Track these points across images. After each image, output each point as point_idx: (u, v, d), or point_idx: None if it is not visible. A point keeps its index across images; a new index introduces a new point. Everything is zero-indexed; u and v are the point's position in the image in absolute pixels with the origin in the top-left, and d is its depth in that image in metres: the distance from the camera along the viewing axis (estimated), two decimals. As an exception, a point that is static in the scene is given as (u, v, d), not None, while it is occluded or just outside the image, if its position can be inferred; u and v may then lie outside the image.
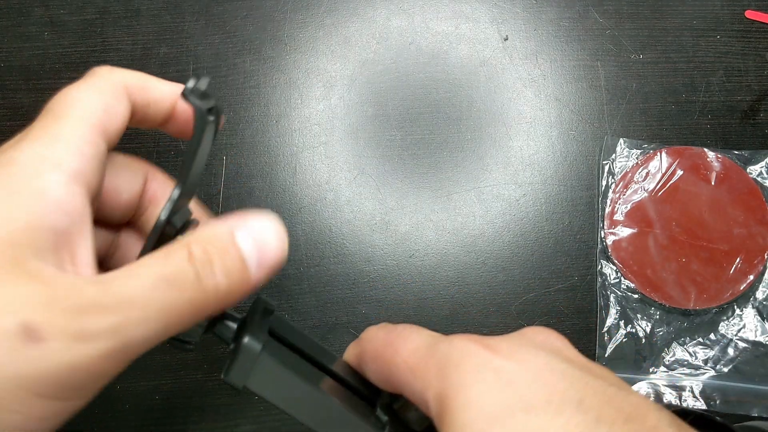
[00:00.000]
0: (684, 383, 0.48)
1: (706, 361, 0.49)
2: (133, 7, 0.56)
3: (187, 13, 0.56)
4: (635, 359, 0.49)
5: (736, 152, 0.53)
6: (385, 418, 0.27)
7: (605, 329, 0.50)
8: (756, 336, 0.49)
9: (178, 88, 0.26)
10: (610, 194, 0.52)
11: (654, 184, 0.52)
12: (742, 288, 0.50)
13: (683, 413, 0.43)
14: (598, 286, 0.50)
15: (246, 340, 0.25)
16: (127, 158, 0.26)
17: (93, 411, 0.48)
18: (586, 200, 0.53)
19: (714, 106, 0.54)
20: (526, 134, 0.54)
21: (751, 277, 0.50)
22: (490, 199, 0.53)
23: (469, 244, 0.52)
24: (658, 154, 0.52)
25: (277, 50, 0.56)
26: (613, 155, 0.53)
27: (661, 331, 0.49)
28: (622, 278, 0.50)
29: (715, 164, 0.52)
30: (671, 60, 0.55)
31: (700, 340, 0.49)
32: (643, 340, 0.49)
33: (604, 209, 0.52)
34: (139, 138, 0.53)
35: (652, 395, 0.48)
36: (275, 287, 0.50)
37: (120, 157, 0.26)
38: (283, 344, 0.28)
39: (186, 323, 0.21)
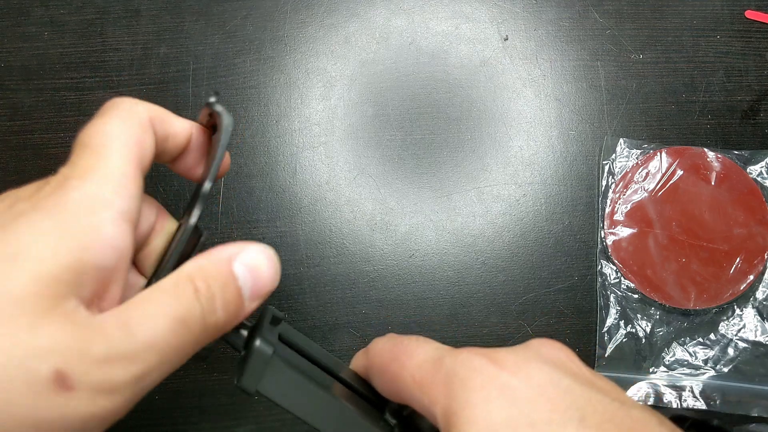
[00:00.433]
0: (684, 383, 0.48)
1: (706, 361, 0.49)
2: (133, 7, 0.56)
3: (187, 13, 0.56)
4: (635, 359, 0.49)
5: (736, 152, 0.53)
6: (393, 421, 0.27)
7: (605, 329, 0.50)
8: (756, 336, 0.49)
9: (192, 124, 0.26)
10: (610, 194, 0.52)
11: (654, 184, 0.52)
12: (742, 288, 0.50)
13: (680, 419, 0.43)
14: (598, 286, 0.50)
15: (257, 344, 0.25)
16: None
17: None
18: (586, 200, 0.53)
19: (714, 106, 0.54)
20: (526, 134, 0.54)
21: (751, 277, 0.50)
22: (490, 199, 0.53)
23: (469, 244, 0.52)
24: (658, 154, 0.52)
25: (277, 50, 0.56)
26: (613, 155, 0.53)
27: (661, 331, 0.49)
28: (622, 278, 0.50)
29: (715, 164, 0.52)
30: (671, 60, 0.55)
31: (700, 340, 0.49)
32: (643, 340, 0.49)
33: (604, 209, 0.52)
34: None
35: (652, 395, 0.48)
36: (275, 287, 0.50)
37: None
38: (293, 350, 0.28)
39: (186, 359, 0.22)
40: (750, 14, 0.56)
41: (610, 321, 0.50)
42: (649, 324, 0.50)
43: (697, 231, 0.51)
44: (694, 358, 0.49)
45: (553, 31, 0.56)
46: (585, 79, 0.55)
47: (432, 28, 0.56)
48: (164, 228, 0.27)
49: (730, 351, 0.49)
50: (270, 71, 0.55)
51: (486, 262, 0.51)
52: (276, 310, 0.28)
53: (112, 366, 0.20)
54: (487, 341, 0.50)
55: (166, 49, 0.55)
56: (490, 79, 0.55)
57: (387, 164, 0.53)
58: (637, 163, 0.52)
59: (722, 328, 0.50)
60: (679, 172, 0.52)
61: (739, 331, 0.49)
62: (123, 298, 0.28)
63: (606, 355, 0.49)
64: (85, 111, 0.54)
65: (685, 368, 0.49)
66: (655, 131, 0.54)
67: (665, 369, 0.49)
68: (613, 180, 0.52)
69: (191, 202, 0.25)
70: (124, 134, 0.23)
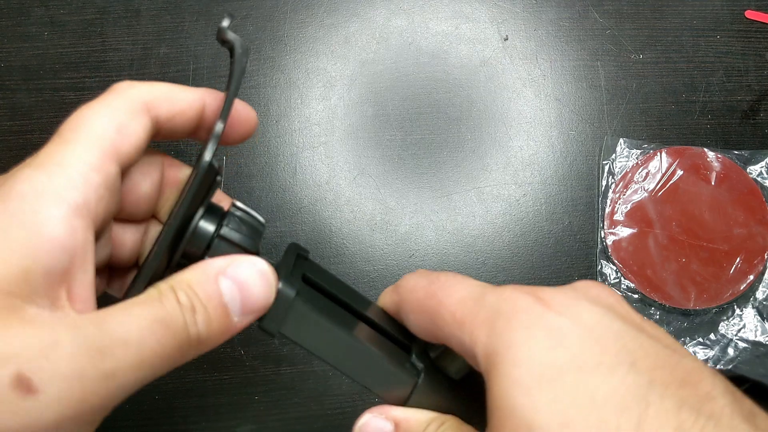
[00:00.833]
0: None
1: (706, 361, 0.49)
2: (133, 7, 0.56)
3: (187, 13, 0.56)
4: (635, 359, 0.49)
5: (736, 152, 0.53)
6: (420, 365, 0.26)
7: (605, 329, 0.50)
8: (756, 336, 0.49)
9: (203, 93, 0.25)
10: (610, 194, 0.52)
11: (654, 184, 0.52)
12: (742, 288, 0.50)
13: (740, 379, 0.42)
14: (598, 286, 0.50)
15: (280, 286, 0.25)
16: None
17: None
18: (586, 200, 0.53)
19: (714, 106, 0.54)
20: (526, 134, 0.54)
21: (751, 277, 0.50)
22: (490, 199, 0.53)
23: (469, 244, 0.52)
24: (658, 154, 0.52)
25: (277, 50, 0.56)
26: (613, 155, 0.53)
27: (661, 331, 0.49)
28: (622, 278, 0.50)
29: (715, 164, 0.52)
30: (671, 60, 0.55)
31: (700, 340, 0.49)
32: (643, 340, 0.49)
33: (604, 209, 0.52)
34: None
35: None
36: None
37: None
38: (317, 290, 0.28)
39: (170, 367, 0.22)
40: (750, 14, 0.56)
41: (610, 321, 0.50)
42: (649, 324, 0.50)
43: (697, 231, 0.51)
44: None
45: (553, 31, 0.56)
46: (585, 79, 0.55)
47: (432, 28, 0.56)
48: (178, 178, 0.26)
49: (730, 351, 0.49)
50: (270, 71, 0.55)
51: (486, 262, 0.51)
52: (301, 247, 0.28)
53: (79, 361, 0.18)
54: (487, 341, 0.50)
55: (166, 49, 0.55)
56: (490, 79, 0.55)
57: (387, 164, 0.53)
58: (637, 163, 0.52)
59: (722, 328, 0.50)
60: (679, 172, 0.52)
61: (739, 331, 0.49)
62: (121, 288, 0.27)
63: (606, 355, 0.49)
64: (85, 111, 0.54)
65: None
66: (655, 131, 0.54)
67: (665, 369, 0.49)
68: (613, 180, 0.52)
69: (203, 145, 0.24)
70: (100, 120, 0.22)
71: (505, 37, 0.56)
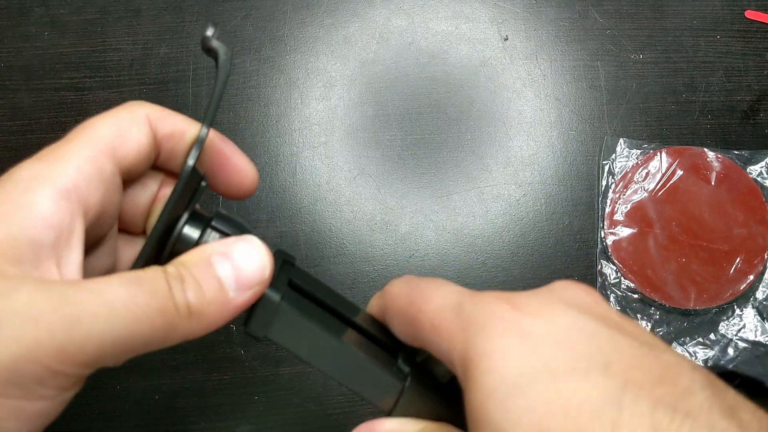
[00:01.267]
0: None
1: (706, 361, 0.49)
2: (133, 7, 0.56)
3: (187, 13, 0.56)
4: (635, 359, 0.49)
5: (736, 152, 0.53)
6: (406, 369, 0.26)
7: (605, 329, 0.50)
8: (756, 336, 0.49)
9: (198, 125, 0.26)
10: (610, 194, 0.52)
11: (654, 184, 0.52)
12: (742, 288, 0.50)
13: (731, 375, 0.42)
14: (598, 286, 0.50)
15: (266, 290, 0.25)
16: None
17: (93, 411, 0.48)
18: (586, 200, 0.53)
19: (714, 106, 0.54)
20: (526, 134, 0.54)
21: (751, 277, 0.50)
22: (490, 199, 0.53)
23: (469, 244, 0.52)
24: (658, 154, 0.52)
25: (277, 50, 0.56)
26: (613, 155, 0.53)
27: (661, 331, 0.49)
28: (622, 278, 0.50)
29: (715, 164, 0.52)
30: (671, 60, 0.55)
31: (700, 340, 0.49)
32: (643, 340, 0.49)
33: (604, 209, 0.52)
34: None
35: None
36: (275, 287, 0.50)
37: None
38: (304, 295, 0.28)
39: (161, 335, 0.21)
40: (750, 14, 0.56)
41: (610, 321, 0.50)
42: (649, 324, 0.50)
43: (697, 231, 0.51)
44: (694, 358, 0.49)
45: (553, 31, 0.56)
46: (585, 79, 0.55)
47: (432, 28, 0.56)
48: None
49: (730, 351, 0.49)
50: (270, 71, 0.55)
51: (486, 262, 0.51)
52: (287, 253, 0.28)
53: (38, 302, 0.19)
54: (487, 341, 0.50)
55: (166, 49, 0.55)
56: (490, 79, 0.55)
57: (387, 164, 0.53)
58: (637, 163, 0.52)
59: (722, 328, 0.50)
60: (679, 172, 0.52)
61: (739, 331, 0.49)
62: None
63: (606, 355, 0.49)
64: (85, 111, 0.54)
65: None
66: (655, 131, 0.54)
67: (665, 369, 0.49)
68: (613, 180, 0.52)
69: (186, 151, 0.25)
70: (102, 124, 0.24)
71: (505, 37, 0.56)
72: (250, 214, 0.52)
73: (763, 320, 0.50)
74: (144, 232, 0.27)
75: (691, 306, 0.49)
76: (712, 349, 0.49)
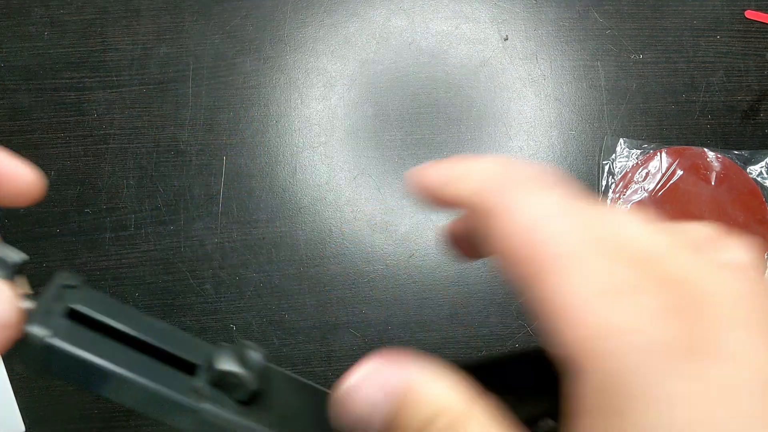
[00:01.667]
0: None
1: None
2: (133, 7, 0.56)
3: (187, 13, 0.56)
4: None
5: (736, 152, 0.53)
6: (207, 389, 0.25)
7: (605, 329, 0.50)
8: (756, 336, 0.49)
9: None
10: (610, 194, 0.52)
11: (654, 184, 0.52)
12: (742, 288, 0.50)
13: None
14: (598, 286, 0.50)
15: (27, 327, 0.23)
16: None
17: (92, 411, 0.48)
18: (586, 200, 0.53)
19: (714, 106, 0.54)
20: (526, 134, 0.54)
21: (751, 277, 0.50)
22: (490, 199, 0.53)
23: (469, 244, 0.52)
24: (658, 154, 0.52)
25: (277, 50, 0.56)
26: (613, 155, 0.53)
27: (661, 331, 0.49)
28: (622, 278, 0.50)
29: (715, 164, 0.52)
30: (671, 60, 0.55)
31: (700, 340, 0.49)
32: (643, 340, 0.49)
33: (604, 209, 0.52)
34: (139, 138, 0.53)
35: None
36: (276, 287, 0.50)
37: None
38: (87, 321, 0.26)
39: None
40: (750, 14, 0.56)
41: (610, 321, 0.50)
42: (649, 324, 0.50)
43: (697, 231, 0.51)
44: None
45: (553, 31, 0.56)
46: (585, 79, 0.55)
47: (432, 28, 0.56)
48: None
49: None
50: (270, 71, 0.55)
51: (486, 262, 0.51)
52: (68, 276, 0.26)
53: None
54: (487, 341, 0.50)
55: (166, 49, 0.55)
56: (490, 79, 0.55)
57: (387, 164, 0.53)
58: (637, 163, 0.52)
59: (722, 328, 0.49)
60: (679, 172, 0.52)
61: (739, 331, 0.49)
62: None
63: (606, 355, 0.49)
64: (85, 111, 0.54)
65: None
66: (655, 131, 0.54)
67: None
68: (613, 180, 0.52)
69: None
70: None
71: (505, 37, 0.56)
72: (250, 214, 0.52)
73: (763, 320, 0.50)
74: None
75: (691, 306, 0.49)
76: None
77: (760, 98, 0.55)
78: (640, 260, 0.15)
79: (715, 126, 0.54)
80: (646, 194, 0.52)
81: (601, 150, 0.53)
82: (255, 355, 0.25)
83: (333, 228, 0.52)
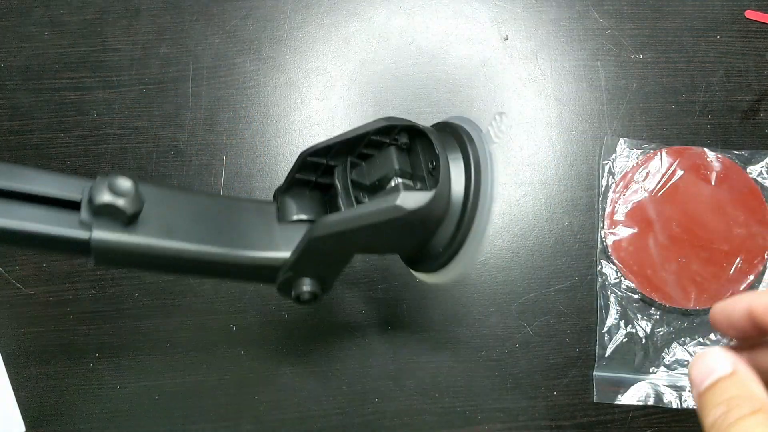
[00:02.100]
0: (684, 383, 0.48)
1: (706, 361, 0.49)
2: (133, 7, 0.56)
3: (187, 13, 0.56)
4: (635, 359, 0.49)
5: (736, 152, 0.53)
6: (90, 217, 0.29)
7: (605, 329, 0.50)
8: (756, 336, 0.49)
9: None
10: (610, 194, 0.52)
11: (654, 184, 0.52)
12: (742, 288, 0.50)
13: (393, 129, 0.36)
14: (598, 286, 0.50)
15: None
16: None
17: (93, 411, 0.48)
18: (586, 200, 0.53)
19: (714, 106, 0.54)
20: (526, 134, 0.54)
21: (751, 277, 0.50)
22: (490, 199, 0.53)
23: (469, 244, 0.52)
24: (659, 154, 0.52)
25: (277, 50, 0.56)
26: (613, 155, 0.53)
27: (661, 331, 0.49)
28: (622, 278, 0.50)
29: (715, 164, 0.52)
30: (671, 60, 0.55)
31: (700, 340, 0.49)
32: (643, 340, 0.49)
33: (604, 209, 0.52)
34: (138, 138, 0.53)
35: (652, 395, 0.48)
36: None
37: None
38: None
39: None
40: (750, 14, 0.56)
41: (610, 321, 0.50)
42: (649, 324, 0.50)
43: (697, 231, 0.51)
44: (694, 358, 0.49)
45: (553, 31, 0.56)
46: (585, 79, 0.55)
47: (432, 28, 0.56)
48: None
49: (730, 351, 0.49)
50: (270, 71, 0.55)
51: (486, 262, 0.51)
52: None
53: None
54: (487, 341, 0.50)
55: (166, 49, 0.55)
56: (490, 79, 0.55)
57: (387, 164, 0.53)
58: (637, 163, 0.52)
59: (722, 328, 0.50)
60: (679, 172, 0.52)
61: (739, 331, 0.49)
62: None
63: (606, 355, 0.49)
64: (84, 111, 0.54)
65: (685, 368, 0.49)
66: (656, 131, 0.54)
67: (665, 369, 0.49)
68: (613, 180, 0.52)
69: None
70: None
71: (505, 37, 0.56)
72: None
73: (763, 320, 0.50)
74: None
75: (691, 306, 0.49)
76: (712, 349, 0.49)
77: (760, 98, 0.55)
78: None
79: (715, 126, 0.54)
80: (646, 194, 0.52)
81: (601, 150, 0.53)
82: (125, 183, 0.29)
83: (333, 228, 0.52)
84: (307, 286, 0.36)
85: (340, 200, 0.36)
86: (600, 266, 0.51)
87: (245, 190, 0.52)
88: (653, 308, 0.50)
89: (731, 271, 0.50)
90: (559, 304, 0.50)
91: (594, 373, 0.49)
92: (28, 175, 0.30)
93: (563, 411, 0.49)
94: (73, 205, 0.30)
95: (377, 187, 0.36)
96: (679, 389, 0.48)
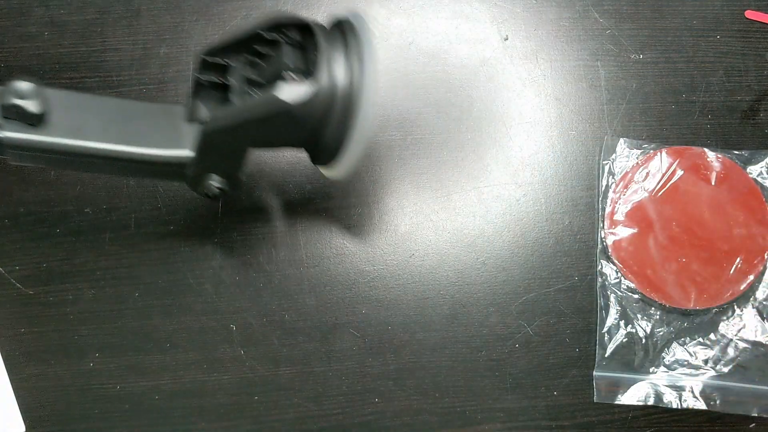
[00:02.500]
0: (684, 383, 0.48)
1: (706, 361, 0.49)
2: (133, 7, 0.56)
3: (187, 13, 0.56)
4: (635, 359, 0.49)
5: (736, 152, 0.53)
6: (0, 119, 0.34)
7: (605, 329, 0.50)
8: (756, 336, 0.49)
9: None
10: (610, 194, 0.52)
11: (654, 184, 0.52)
12: (742, 288, 0.50)
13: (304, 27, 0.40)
14: (598, 286, 0.50)
15: None
16: None
17: (93, 411, 0.48)
18: (586, 200, 0.53)
19: (714, 106, 0.54)
20: (526, 134, 0.54)
21: (751, 277, 0.50)
22: (490, 199, 0.53)
23: (469, 244, 0.52)
24: (658, 154, 0.52)
25: (277, 50, 0.56)
26: (613, 155, 0.53)
27: (661, 331, 0.49)
28: (622, 278, 0.50)
29: (715, 164, 0.52)
30: (671, 60, 0.55)
31: (700, 340, 0.49)
32: (643, 340, 0.49)
33: (604, 209, 0.52)
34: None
35: (652, 395, 0.48)
36: (275, 287, 0.50)
37: None
38: None
39: None
40: (750, 14, 0.56)
41: (610, 321, 0.50)
42: (649, 324, 0.50)
43: (697, 231, 0.51)
44: (694, 358, 0.49)
45: (553, 31, 0.56)
46: (585, 79, 0.55)
47: (432, 28, 0.56)
48: None
49: (730, 351, 0.49)
50: (270, 71, 0.55)
51: (486, 262, 0.51)
52: None
53: None
54: (487, 341, 0.50)
55: (166, 49, 0.55)
56: (490, 79, 0.55)
57: (387, 164, 0.53)
58: (637, 163, 0.52)
59: (722, 328, 0.50)
60: (679, 172, 0.52)
61: (739, 331, 0.49)
62: None
63: (606, 355, 0.49)
64: (85, 111, 0.54)
65: (685, 368, 0.49)
66: (656, 131, 0.54)
67: (665, 369, 0.49)
68: (613, 180, 0.52)
69: None
70: None
71: (505, 37, 0.56)
72: (250, 214, 0.52)
73: (763, 320, 0.50)
74: None
75: (691, 306, 0.49)
76: (712, 349, 0.49)
77: (760, 98, 0.55)
78: None
79: (715, 126, 0.54)
80: (646, 194, 0.52)
81: (601, 150, 0.53)
82: (26, 85, 0.33)
83: (333, 228, 0.52)
84: (213, 181, 0.40)
85: (234, 97, 0.39)
86: (600, 266, 0.51)
87: (245, 190, 0.52)
88: (653, 308, 0.50)
89: (731, 271, 0.50)
90: (559, 304, 0.50)
91: (594, 373, 0.49)
92: None
93: (563, 411, 0.49)
94: None
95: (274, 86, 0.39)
96: (679, 389, 0.48)
